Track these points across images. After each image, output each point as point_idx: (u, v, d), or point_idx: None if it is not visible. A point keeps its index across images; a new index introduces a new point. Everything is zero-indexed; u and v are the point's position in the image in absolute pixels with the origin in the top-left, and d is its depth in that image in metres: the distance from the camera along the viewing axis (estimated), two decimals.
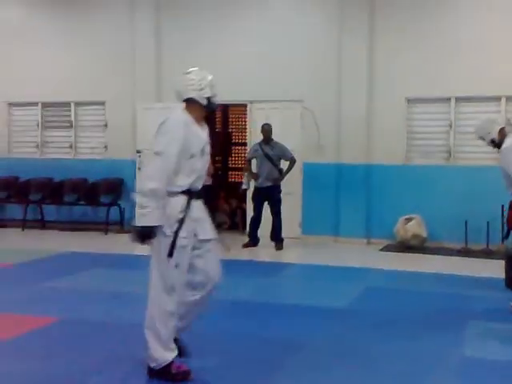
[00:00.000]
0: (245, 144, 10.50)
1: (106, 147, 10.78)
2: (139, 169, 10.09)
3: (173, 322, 3.75)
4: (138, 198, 3.65)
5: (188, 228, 3.72)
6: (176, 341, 3.87)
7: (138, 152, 10.01)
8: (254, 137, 9.62)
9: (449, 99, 9.18)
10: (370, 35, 9.38)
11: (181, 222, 3.68)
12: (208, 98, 3.85)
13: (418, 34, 9.24)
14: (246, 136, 10.39)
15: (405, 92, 9.30)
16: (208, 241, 3.88)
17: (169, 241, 3.66)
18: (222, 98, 11.71)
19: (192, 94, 3.82)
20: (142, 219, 3.62)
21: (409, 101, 9.36)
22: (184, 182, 3.74)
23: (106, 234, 10.12)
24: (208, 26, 10.15)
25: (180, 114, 3.82)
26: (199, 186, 3.86)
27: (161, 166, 3.64)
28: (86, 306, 5.62)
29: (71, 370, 4.02)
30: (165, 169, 3.63)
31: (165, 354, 3.75)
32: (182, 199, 3.73)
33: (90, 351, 4.40)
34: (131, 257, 7.97)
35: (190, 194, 3.76)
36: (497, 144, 5.81)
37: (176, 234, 3.67)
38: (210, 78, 3.89)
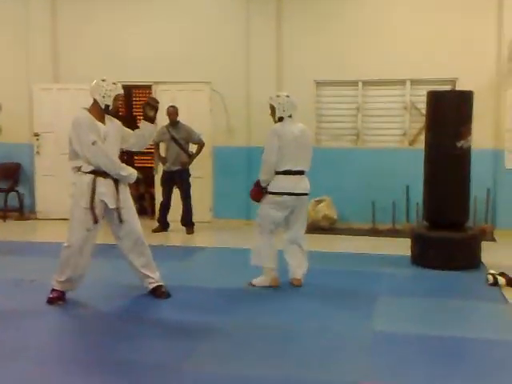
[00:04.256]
0: None
1: (0, 130, 10.09)
2: (38, 153, 9.60)
3: (69, 270, 4.98)
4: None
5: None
6: (160, 287, 5.26)
7: (36, 135, 9.48)
8: (160, 120, 9.26)
9: (356, 82, 9.30)
10: (277, 17, 9.27)
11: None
12: (107, 106, 4.95)
13: (325, 17, 9.22)
14: None
15: (314, 75, 9.31)
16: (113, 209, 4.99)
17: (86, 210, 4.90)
18: (125, 78, 11.22)
19: (96, 97, 4.95)
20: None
21: (318, 83, 9.41)
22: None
23: (4, 221, 9.63)
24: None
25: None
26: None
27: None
28: None
29: None
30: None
31: (53, 283, 5.08)
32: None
33: None
34: (31, 244, 7.71)
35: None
36: None
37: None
38: (118, 93, 4.97)
